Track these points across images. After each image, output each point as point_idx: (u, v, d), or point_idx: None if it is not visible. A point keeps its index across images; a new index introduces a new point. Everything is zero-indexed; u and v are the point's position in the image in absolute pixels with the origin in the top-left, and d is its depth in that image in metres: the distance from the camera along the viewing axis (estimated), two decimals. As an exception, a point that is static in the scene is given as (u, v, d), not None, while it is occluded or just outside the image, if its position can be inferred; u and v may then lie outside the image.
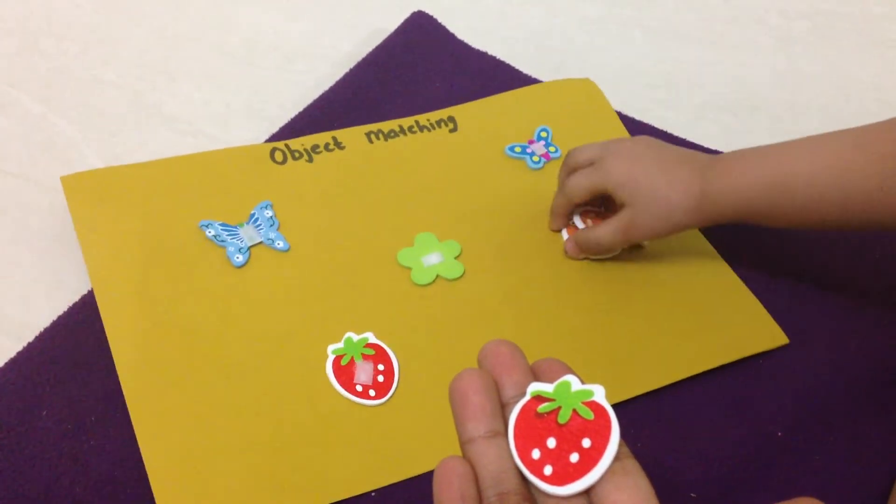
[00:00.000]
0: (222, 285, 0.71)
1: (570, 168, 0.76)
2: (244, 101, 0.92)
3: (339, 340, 0.68)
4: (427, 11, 1.01)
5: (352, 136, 0.84)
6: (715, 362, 0.71)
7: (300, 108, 0.88)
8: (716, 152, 0.89)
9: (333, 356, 0.67)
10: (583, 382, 0.41)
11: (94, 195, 0.74)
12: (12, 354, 0.66)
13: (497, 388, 0.41)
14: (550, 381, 0.41)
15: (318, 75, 0.95)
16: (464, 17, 1.04)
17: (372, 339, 0.69)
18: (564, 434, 0.40)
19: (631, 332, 0.73)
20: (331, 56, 0.98)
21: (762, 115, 0.97)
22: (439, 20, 1.00)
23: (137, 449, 0.62)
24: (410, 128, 0.86)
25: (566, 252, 0.77)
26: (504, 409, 0.41)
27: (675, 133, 0.91)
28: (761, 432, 0.68)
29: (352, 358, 0.67)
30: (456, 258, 0.76)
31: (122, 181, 0.76)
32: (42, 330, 0.68)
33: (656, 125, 0.92)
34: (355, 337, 0.69)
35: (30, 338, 0.67)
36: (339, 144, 0.83)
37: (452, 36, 1.00)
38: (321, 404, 0.65)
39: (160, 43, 0.97)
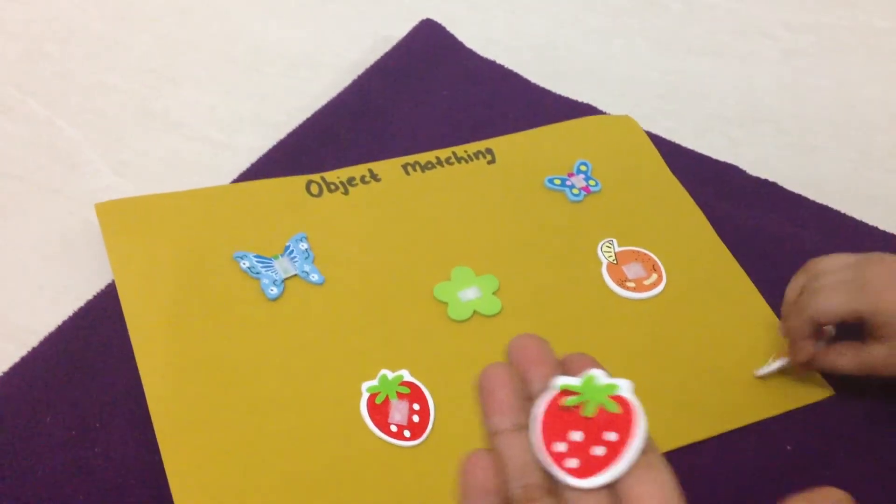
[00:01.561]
0: (256, 318, 0.70)
1: (811, 277, 0.68)
2: (250, 107, 0.91)
3: (374, 377, 0.67)
4: (435, 20, 1.00)
5: (388, 167, 0.83)
6: (761, 415, 0.69)
7: (306, 115, 0.88)
8: (725, 165, 0.89)
9: (368, 394, 0.66)
10: (610, 376, 0.41)
11: (128, 223, 0.73)
12: (16, 360, 0.65)
13: (524, 382, 0.41)
14: (578, 374, 0.40)
15: (325, 82, 0.94)
16: (470, 26, 1.04)
17: (407, 376, 0.67)
18: (590, 428, 0.39)
19: (675, 379, 0.71)
20: (337, 63, 0.97)
21: (768, 127, 0.97)
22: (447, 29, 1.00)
23: (142, 457, 0.61)
24: (448, 159, 0.85)
25: (795, 361, 0.69)
26: (531, 404, 0.40)
27: (683, 144, 0.91)
28: (770, 447, 0.68)
29: (387, 397, 0.66)
30: (494, 294, 0.74)
31: (157, 210, 0.75)
32: (46, 335, 0.67)
33: (663, 135, 0.92)
34: (390, 374, 0.67)
35: (34, 343, 0.67)
36: (375, 176, 0.82)
37: (461, 44, 1.00)
38: (354, 443, 0.64)
39: (166, 48, 0.97)
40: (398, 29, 0.99)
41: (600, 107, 0.94)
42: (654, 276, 0.78)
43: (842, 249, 0.81)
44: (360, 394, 0.66)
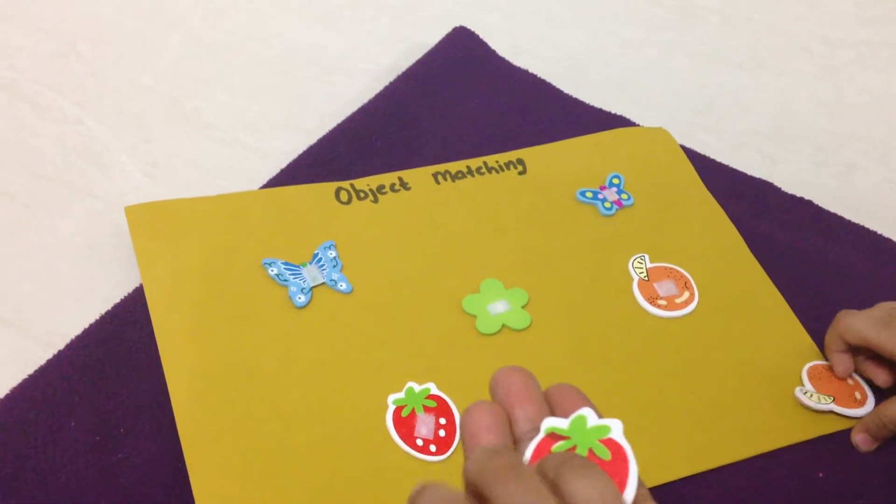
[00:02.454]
0: (282, 326, 0.69)
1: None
2: (282, 111, 0.91)
3: (400, 389, 0.66)
4: (468, 28, 1.00)
5: (418, 176, 0.82)
6: (793, 439, 0.68)
7: (338, 121, 0.87)
8: (760, 181, 0.88)
9: (394, 407, 0.65)
10: (600, 416, 0.38)
11: (157, 227, 0.73)
12: (42, 362, 0.65)
13: (510, 422, 0.39)
14: (565, 412, 0.38)
15: (357, 88, 0.94)
16: (504, 35, 1.03)
17: (434, 389, 0.66)
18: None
19: (706, 400, 0.70)
20: (370, 69, 0.97)
21: (805, 143, 0.95)
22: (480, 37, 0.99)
23: (165, 464, 0.61)
24: (478, 169, 0.84)
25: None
26: (517, 446, 0.38)
27: (718, 159, 0.90)
28: (802, 474, 0.66)
29: (413, 410, 0.65)
30: (523, 307, 0.73)
31: (186, 214, 0.74)
32: (72, 338, 0.67)
33: (698, 149, 0.91)
34: (417, 387, 0.66)
35: (60, 346, 0.66)
36: (405, 185, 0.81)
37: (494, 53, 0.99)
38: (379, 456, 0.63)
39: (199, 50, 0.96)
40: (432, 35, 0.98)
41: (634, 119, 0.93)
42: (686, 294, 0.77)
43: (878, 271, 0.80)
44: (386, 406, 0.65)
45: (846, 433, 0.69)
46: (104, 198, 0.79)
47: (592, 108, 0.94)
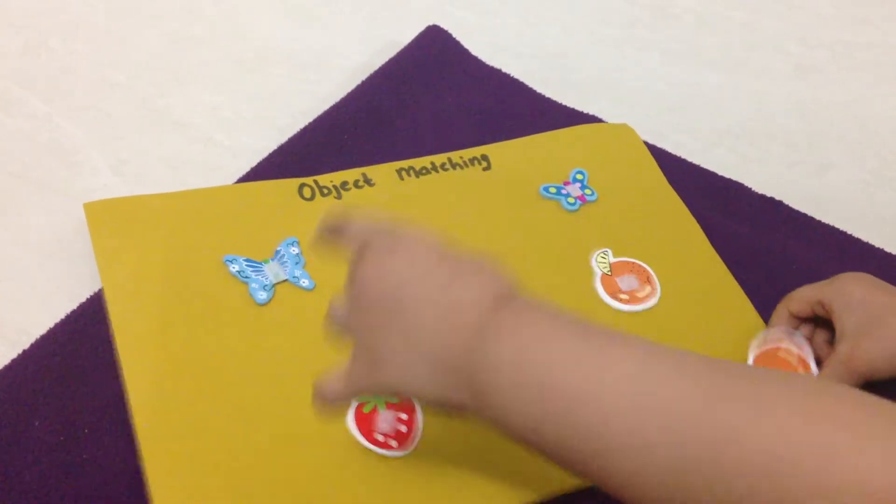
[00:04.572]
0: (244, 323, 0.69)
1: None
2: (255, 109, 0.90)
3: None
4: (443, 26, 0.99)
5: (382, 172, 0.82)
6: None
7: (311, 118, 0.87)
8: (730, 182, 0.88)
9: (356, 403, 0.64)
10: None
11: (117, 224, 0.72)
12: (7, 361, 0.64)
13: None
14: None
15: (330, 86, 0.93)
16: (480, 33, 1.03)
17: None
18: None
19: None
20: (343, 67, 0.96)
21: (779, 143, 0.95)
22: (456, 36, 0.99)
23: (131, 464, 0.60)
24: (443, 165, 0.84)
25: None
26: None
27: (690, 159, 0.90)
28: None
29: (375, 406, 0.64)
30: None
31: (147, 211, 0.74)
32: (38, 337, 0.66)
33: (670, 150, 0.91)
34: None
35: (26, 344, 0.66)
36: (368, 181, 0.81)
37: (466, 52, 0.99)
38: (339, 452, 0.62)
39: (172, 46, 0.96)
40: (408, 34, 0.98)
41: (608, 118, 0.93)
42: (648, 288, 0.77)
43: (846, 269, 0.81)
44: (348, 402, 0.65)
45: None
46: (73, 195, 0.78)
47: (566, 107, 0.94)
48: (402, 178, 0.82)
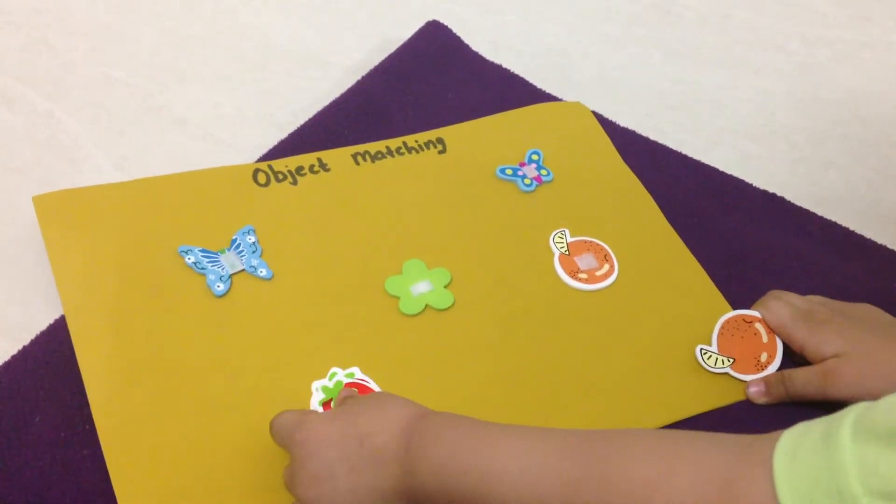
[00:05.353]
0: (202, 315, 0.68)
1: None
2: (255, 105, 0.90)
3: (324, 375, 0.66)
4: (443, 22, 0.99)
5: (338, 157, 0.82)
6: (710, 405, 0.69)
7: (311, 115, 0.87)
8: (733, 179, 0.88)
9: (322, 400, 0.64)
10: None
11: (67, 217, 0.71)
12: (8, 357, 0.65)
13: None
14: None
15: (331, 82, 0.93)
16: (481, 30, 1.02)
17: (358, 373, 0.66)
18: None
19: (630, 367, 0.71)
20: (343, 63, 0.96)
21: (781, 141, 0.95)
22: (456, 32, 0.99)
23: (131, 460, 0.60)
24: (398, 149, 0.84)
25: (750, 396, 0.70)
26: None
27: (693, 156, 0.90)
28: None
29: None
30: (445, 287, 0.74)
31: (98, 202, 0.73)
32: (39, 333, 0.66)
33: (672, 146, 0.91)
34: (330, 383, 0.65)
35: (27, 340, 0.66)
36: (324, 166, 0.80)
37: (467, 47, 0.98)
38: None
39: (172, 44, 0.96)
40: (408, 30, 0.98)
41: (609, 115, 0.93)
42: (606, 266, 0.78)
43: (848, 266, 0.81)
44: (310, 393, 0.65)
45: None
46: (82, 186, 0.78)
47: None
48: (357, 163, 0.82)
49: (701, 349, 0.72)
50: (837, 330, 0.67)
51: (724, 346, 0.72)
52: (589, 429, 0.64)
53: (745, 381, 0.71)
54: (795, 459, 0.43)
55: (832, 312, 0.70)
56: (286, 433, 0.56)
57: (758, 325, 0.73)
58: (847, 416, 0.43)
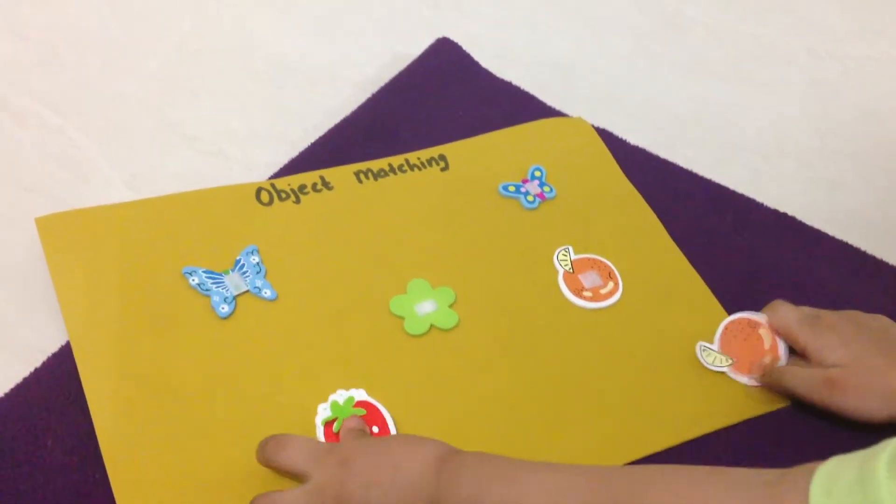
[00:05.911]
0: (207, 338, 0.68)
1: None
2: (266, 122, 0.90)
3: (329, 396, 0.65)
4: (454, 39, 0.99)
5: (340, 175, 0.81)
6: (716, 425, 0.69)
7: (322, 132, 0.87)
8: (742, 197, 0.88)
9: (323, 427, 0.63)
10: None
11: (71, 238, 0.71)
12: (20, 379, 0.64)
13: None
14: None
15: (342, 98, 0.93)
16: (490, 46, 1.02)
17: (364, 395, 0.66)
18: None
19: (635, 385, 0.71)
20: (354, 80, 0.96)
21: (790, 159, 0.95)
22: (466, 48, 0.99)
23: (143, 483, 0.60)
24: (401, 167, 0.84)
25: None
26: None
27: (702, 173, 0.90)
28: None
29: (344, 423, 0.64)
30: (450, 306, 0.74)
31: (101, 223, 0.73)
32: (52, 354, 0.66)
33: (681, 164, 0.91)
34: (341, 399, 0.65)
35: (39, 362, 0.66)
36: (327, 184, 0.80)
37: (477, 64, 0.98)
38: None
39: (184, 60, 0.96)
40: (418, 46, 0.98)
41: (618, 132, 0.93)
42: (611, 284, 0.78)
43: (859, 286, 0.81)
44: (315, 414, 0.64)
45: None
46: (85, 207, 0.78)
47: (576, 120, 0.94)
48: (360, 181, 0.82)
49: (701, 346, 0.73)
50: (842, 338, 0.68)
51: (726, 347, 0.73)
52: (599, 447, 0.67)
53: (742, 384, 0.72)
54: (831, 497, 0.43)
55: (840, 318, 0.70)
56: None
57: (761, 331, 0.73)
58: (882, 453, 0.43)
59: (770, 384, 0.70)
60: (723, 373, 0.72)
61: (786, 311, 0.72)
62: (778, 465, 0.66)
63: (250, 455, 0.61)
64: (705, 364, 0.72)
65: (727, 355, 0.72)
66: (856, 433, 0.66)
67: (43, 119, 0.86)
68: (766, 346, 0.73)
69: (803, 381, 0.68)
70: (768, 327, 0.73)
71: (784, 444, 0.69)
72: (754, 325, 0.73)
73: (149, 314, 0.68)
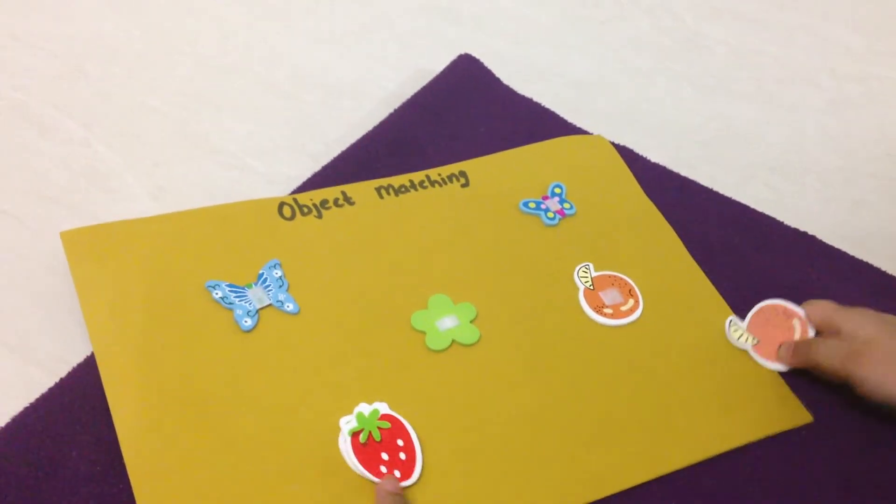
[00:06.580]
0: (230, 351, 0.68)
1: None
2: (289, 135, 0.91)
3: (351, 410, 0.65)
4: (475, 55, 1.00)
5: (362, 190, 0.82)
6: (738, 441, 0.69)
7: (344, 146, 0.87)
8: (764, 216, 0.87)
9: (350, 437, 0.63)
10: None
11: (95, 252, 0.71)
12: (45, 390, 0.65)
13: None
14: None
15: (363, 113, 0.94)
16: (512, 62, 1.03)
17: (386, 409, 0.66)
18: (384, 445, 0.63)
19: (655, 404, 0.71)
20: (376, 95, 0.97)
21: (813, 178, 0.95)
22: (487, 65, 0.99)
23: (166, 495, 0.60)
24: (421, 182, 0.84)
25: (780, 357, 0.74)
26: None
27: (723, 192, 0.90)
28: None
29: (370, 434, 0.63)
30: (471, 322, 0.74)
31: (125, 237, 0.73)
32: (76, 365, 0.66)
33: (704, 182, 0.91)
34: (366, 410, 0.65)
35: (63, 372, 0.66)
36: (348, 199, 0.81)
37: (498, 81, 0.99)
38: (334, 482, 0.62)
39: (209, 74, 0.96)
40: (441, 62, 0.98)
41: (639, 150, 0.93)
42: (631, 301, 0.78)
43: (882, 306, 0.80)
44: (338, 429, 0.64)
45: (848, 470, 0.69)
46: (110, 221, 0.78)
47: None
48: (381, 197, 0.82)
49: (731, 321, 0.74)
50: (877, 320, 0.70)
51: (755, 328, 0.74)
52: (621, 464, 0.67)
53: (763, 367, 0.73)
54: None
55: (876, 312, 0.71)
56: None
57: (795, 321, 0.74)
58: None
59: (797, 359, 0.72)
60: (745, 351, 0.74)
61: (825, 304, 0.74)
62: (796, 483, 0.67)
63: (273, 466, 0.62)
64: (730, 339, 0.74)
65: (753, 335, 0.73)
66: (873, 446, 0.67)
67: (69, 132, 0.87)
68: (796, 336, 0.74)
69: (831, 350, 0.70)
70: (804, 320, 0.74)
71: (803, 462, 0.69)
72: (790, 315, 0.74)
73: (172, 327, 0.69)
